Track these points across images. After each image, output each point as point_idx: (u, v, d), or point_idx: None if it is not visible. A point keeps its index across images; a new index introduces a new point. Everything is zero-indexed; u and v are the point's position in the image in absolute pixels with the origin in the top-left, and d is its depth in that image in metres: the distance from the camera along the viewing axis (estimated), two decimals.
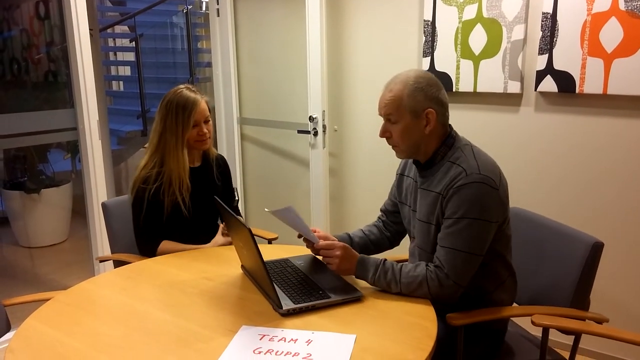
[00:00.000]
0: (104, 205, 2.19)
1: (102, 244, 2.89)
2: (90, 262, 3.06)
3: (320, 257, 1.66)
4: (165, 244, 1.99)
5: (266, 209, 1.68)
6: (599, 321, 1.60)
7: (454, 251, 1.46)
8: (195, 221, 2.05)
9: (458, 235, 1.46)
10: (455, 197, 1.47)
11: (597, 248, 1.60)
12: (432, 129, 1.54)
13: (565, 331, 1.55)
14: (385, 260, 1.54)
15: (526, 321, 1.65)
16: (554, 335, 2.35)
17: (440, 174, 1.54)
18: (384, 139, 1.60)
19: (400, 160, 1.76)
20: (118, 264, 2.05)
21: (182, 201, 1.99)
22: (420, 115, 1.53)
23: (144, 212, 1.97)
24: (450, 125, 1.60)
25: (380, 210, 1.91)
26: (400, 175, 1.78)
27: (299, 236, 1.65)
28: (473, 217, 1.45)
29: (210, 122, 2.05)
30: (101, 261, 2.44)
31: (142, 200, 1.97)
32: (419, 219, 1.62)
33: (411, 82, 1.52)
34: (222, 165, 2.22)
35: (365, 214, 3.18)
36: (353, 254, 1.55)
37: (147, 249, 1.98)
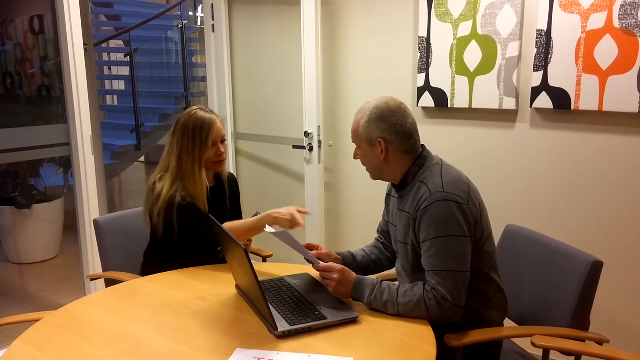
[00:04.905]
0: (96, 222, 2.16)
1: (93, 261, 2.85)
2: (81, 280, 3.02)
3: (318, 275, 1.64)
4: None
5: (265, 229, 1.66)
6: (600, 342, 1.58)
7: (441, 272, 1.45)
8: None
9: (438, 256, 1.46)
10: (424, 220, 1.48)
11: (596, 267, 1.58)
12: (389, 157, 1.58)
13: (565, 352, 1.52)
14: (382, 280, 1.52)
15: (522, 338, 1.63)
16: (554, 355, 2.32)
17: (412, 194, 1.56)
18: None
19: None
20: (109, 282, 2.01)
21: None
22: (375, 144, 1.58)
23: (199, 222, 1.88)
24: (423, 145, 1.63)
25: (377, 231, 1.90)
26: (388, 196, 1.80)
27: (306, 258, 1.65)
28: (445, 235, 1.45)
29: (226, 142, 2.02)
30: (92, 279, 2.39)
31: (193, 208, 1.89)
32: (398, 240, 1.64)
33: (367, 113, 1.58)
34: (234, 186, 2.19)
35: (360, 229, 3.16)
36: (350, 278, 1.53)
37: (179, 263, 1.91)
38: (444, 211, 1.45)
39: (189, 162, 1.93)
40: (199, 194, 1.94)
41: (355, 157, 1.66)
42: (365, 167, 1.66)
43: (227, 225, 1.88)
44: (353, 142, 1.64)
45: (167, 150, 1.98)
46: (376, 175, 1.65)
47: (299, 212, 1.81)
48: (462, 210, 1.47)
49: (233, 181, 2.19)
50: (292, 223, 1.78)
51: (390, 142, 1.56)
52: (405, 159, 1.59)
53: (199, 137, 1.93)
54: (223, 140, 1.99)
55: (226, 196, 2.12)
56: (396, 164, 1.59)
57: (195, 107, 1.99)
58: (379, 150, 1.57)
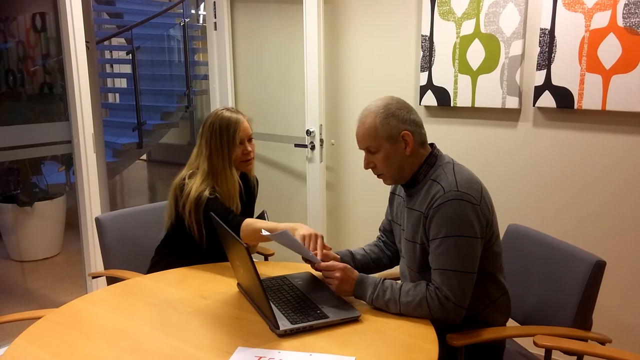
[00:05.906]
0: (97, 220, 2.16)
1: (95, 259, 2.85)
2: (82, 278, 3.02)
3: (320, 275, 1.63)
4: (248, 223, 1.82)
5: (263, 232, 1.65)
6: (602, 342, 1.57)
7: (447, 272, 1.45)
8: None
9: (446, 255, 1.45)
10: (436, 217, 1.47)
11: (599, 266, 1.57)
12: (412, 150, 1.55)
13: (567, 352, 1.52)
14: (385, 279, 1.51)
15: (525, 339, 1.62)
16: (556, 355, 2.32)
17: (423, 192, 1.55)
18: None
19: None
20: (111, 280, 2.01)
21: None
22: (398, 139, 1.54)
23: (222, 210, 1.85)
24: (433, 143, 1.61)
25: (379, 230, 1.89)
26: (392, 194, 1.78)
27: (304, 258, 1.63)
28: (456, 235, 1.44)
29: (254, 142, 2.02)
30: (94, 277, 2.39)
31: (218, 202, 1.87)
32: (405, 238, 1.62)
33: (381, 110, 1.55)
34: (256, 187, 2.19)
35: (362, 228, 3.15)
36: (352, 276, 1.53)
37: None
38: (457, 210, 1.44)
39: (220, 161, 1.93)
40: (232, 193, 1.94)
41: (367, 167, 1.60)
42: (380, 173, 1.59)
43: (262, 224, 1.77)
44: (368, 148, 1.57)
45: (195, 152, 1.99)
46: (399, 176, 1.58)
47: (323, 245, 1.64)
48: (475, 210, 1.46)
49: (257, 183, 2.20)
50: (306, 239, 1.64)
51: (413, 132, 1.55)
52: (421, 153, 1.57)
53: (227, 136, 1.93)
54: (250, 139, 2.00)
55: (253, 197, 2.12)
56: (415, 158, 1.56)
57: (220, 108, 2.00)
58: (402, 145, 1.54)
